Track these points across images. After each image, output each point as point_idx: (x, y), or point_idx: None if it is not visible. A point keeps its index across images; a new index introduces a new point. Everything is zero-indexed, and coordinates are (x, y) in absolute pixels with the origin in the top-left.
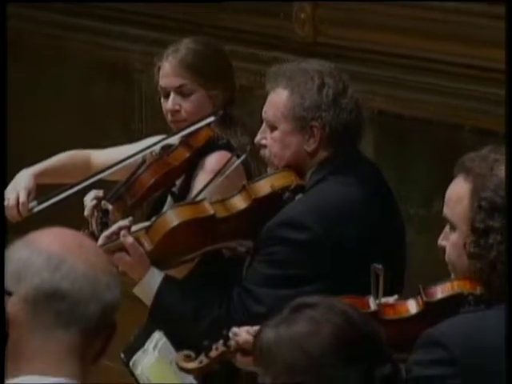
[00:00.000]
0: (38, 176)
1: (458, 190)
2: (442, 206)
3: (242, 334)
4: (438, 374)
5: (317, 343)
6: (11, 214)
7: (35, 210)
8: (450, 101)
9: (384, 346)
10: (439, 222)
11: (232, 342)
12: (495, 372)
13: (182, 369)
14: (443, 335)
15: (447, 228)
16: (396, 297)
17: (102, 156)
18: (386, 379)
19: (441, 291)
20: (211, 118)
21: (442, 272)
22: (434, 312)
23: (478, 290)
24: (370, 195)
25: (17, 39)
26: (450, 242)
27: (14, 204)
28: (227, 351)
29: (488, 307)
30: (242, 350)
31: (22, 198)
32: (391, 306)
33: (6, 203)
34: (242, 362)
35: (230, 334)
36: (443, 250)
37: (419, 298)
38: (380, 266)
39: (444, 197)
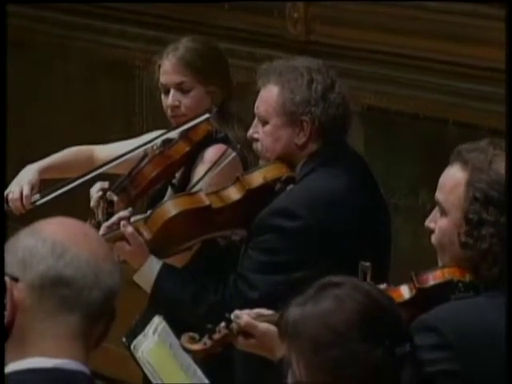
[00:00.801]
0: (42, 171)
1: (454, 178)
2: (428, 197)
3: (244, 316)
4: (434, 359)
5: (341, 319)
6: (15, 206)
7: (38, 203)
8: (435, 96)
9: (404, 325)
10: (425, 212)
11: (234, 325)
12: (488, 357)
13: (186, 350)
14: (437, 320)
15: (436, 211)
16: (384, 285)
17: (104, 151)
18: (405, 357)
19: (432, 278)
20: (206, 115)
21: (427, 259)
22: (425, 298)
23: (467, 278)
24: (357, 185)
25: (22, 38)
26: (439, 225)
27: (17, 197)
28: (229, 334)
29: (477, 294)
30: (244, 332)
31: (26, 192)
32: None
33: (10, 196)
34: (243, 344)
35: (232, 317)
36: (430, 231)
37: (412, 284)
38: (368, 264)
39: (429, 188)
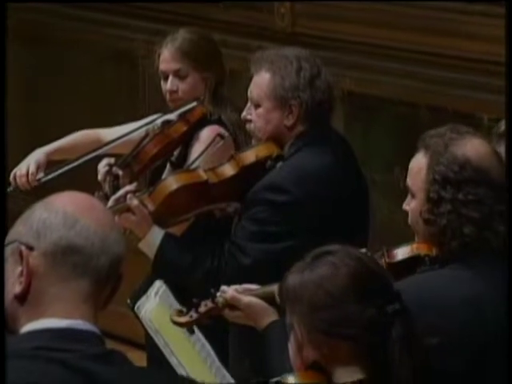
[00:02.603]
0: (49, 153)
1: (418, 163)
2: (402, 173)
3: (230, 291)
4: None
5: (336, 284)
6: (21, 182)
7: (43, 180)
8: (408, 82)
9: (393, 286)
10: (398, 186)
11: (220, 299)
12: (449, 323)
13: (174, 323)
14: (401, 292)
15: (409, 195)
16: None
17: (110, 134)
18: (396, 314)
19: (401, 253)
20: (194, 103)
21: (399, 228)
22: (395, 272)
23: (433, 252)
24: (340, 163)
25: (37, 31)
26: (410, 207)
27: (24, 173)
28: (215, 307)
29: (441, 267)
30: (230, 305)
31: (32, 169)
32: None
33: (18, 173)
34: (231, 316)
35: (219, 293)
36: (407, 213)
37: (382, 259)
38: None
39: (403, 165)
